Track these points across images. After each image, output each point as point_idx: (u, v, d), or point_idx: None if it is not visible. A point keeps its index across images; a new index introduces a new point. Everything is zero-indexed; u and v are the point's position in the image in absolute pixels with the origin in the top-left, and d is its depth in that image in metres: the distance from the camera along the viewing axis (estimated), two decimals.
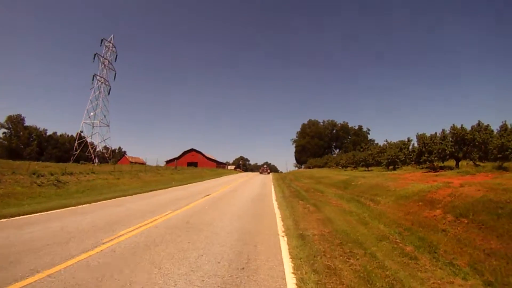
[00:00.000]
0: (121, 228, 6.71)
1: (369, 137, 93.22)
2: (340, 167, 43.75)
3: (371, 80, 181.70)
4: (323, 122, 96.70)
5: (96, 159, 50.69)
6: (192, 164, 73.60)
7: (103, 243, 5.44)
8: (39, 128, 73.43)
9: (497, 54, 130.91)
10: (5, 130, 65.60)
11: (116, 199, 12.33)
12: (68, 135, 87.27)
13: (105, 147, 56.71)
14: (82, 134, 53.30)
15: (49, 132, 77.52)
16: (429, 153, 19.31)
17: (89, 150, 51.63)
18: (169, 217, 8.21)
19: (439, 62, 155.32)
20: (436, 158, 19.61)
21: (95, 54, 52.46)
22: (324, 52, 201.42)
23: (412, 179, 13.79)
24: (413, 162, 25.40)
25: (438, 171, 17.67)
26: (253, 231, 6.82)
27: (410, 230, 6.41)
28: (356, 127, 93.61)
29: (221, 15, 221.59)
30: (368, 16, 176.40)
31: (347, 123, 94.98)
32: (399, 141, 26.73)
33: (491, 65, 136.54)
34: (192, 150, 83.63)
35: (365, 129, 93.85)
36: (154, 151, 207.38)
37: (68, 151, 59.62)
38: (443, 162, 20.27)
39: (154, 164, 56.16)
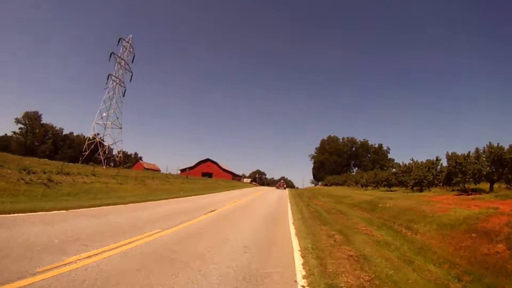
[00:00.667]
0: (56, 258, 4.40)
1: (389, 156, 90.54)
2: (360, 186, 42.01)
3: (391, 98, 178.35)
4: (343, 139, 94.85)
5: (106, 162, 50.71)
6: (206, 175, 73.18)
7: None
8: (55, 126, 73.72)
9: None
10: (22, 126, 65.96)
11: (103, 207, 10.50)
12: (84, 136, 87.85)
13: (121, 151, 56.34)
14: (94, 136, 53.56)
15: (65, 132, 78.21)
16: (463, 174, 17.78)
17: (99, 152, 51.56)
18: (151, 240, 6.27)
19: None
20: (470, 180, 18.07)
21: (111, 53, 52.42)
22: (344, 68, 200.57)
23: (448, 203, 12.48)
24: (441, 184, 23.78)
25: (471, 194, 16.15)
26: (260, 277, 4.60)
27: (471, 274, 5.19)
28: (376, 145, 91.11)
29: (246, 26, 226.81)
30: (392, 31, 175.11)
31: (367, 140, 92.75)
32: (427, 160, 25.16)
33: None
34: (208, 160, 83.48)
35: (385, 148, 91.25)
36: (170, 158, 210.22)
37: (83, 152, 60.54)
38: (475, 184, 18.68)
39: (169, 171, 56.22)
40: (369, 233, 9.43)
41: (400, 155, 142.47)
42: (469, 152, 18.66)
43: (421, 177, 23.27)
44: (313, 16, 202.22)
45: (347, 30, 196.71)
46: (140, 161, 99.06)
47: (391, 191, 29.57)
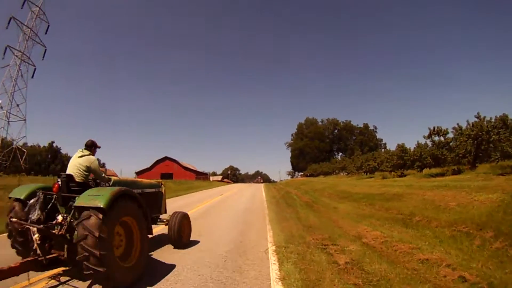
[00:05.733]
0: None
1: (377, 136, 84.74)
2: (361, 173, 34.27)
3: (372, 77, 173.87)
4: (322, 121, 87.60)
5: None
6: (166, 176, 63.36)
7: None
8: None
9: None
10: None
11: None
12: None
13: (25, 153, 43.22)
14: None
15: None
16: None
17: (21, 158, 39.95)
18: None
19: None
20: None
21: (10, 18, 40.69)
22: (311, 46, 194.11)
23: None
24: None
25: None
26: None
27: None
28: (361, 126, 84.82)
29: (206, 15, 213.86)
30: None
31: (350, 121, 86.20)
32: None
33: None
34: (166, 158, 72.81)
35: (371, 128, 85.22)
36: (127, 161, 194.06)
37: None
38: None
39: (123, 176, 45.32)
40: None
41: (390, 135, 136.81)
42: None
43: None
44: None
45: None
46: None
47: (401, 176, 21.85)
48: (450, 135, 18.13)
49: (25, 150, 42.01)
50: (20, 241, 4.26)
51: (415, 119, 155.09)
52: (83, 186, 4.42)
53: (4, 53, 39.55)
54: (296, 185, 36.06)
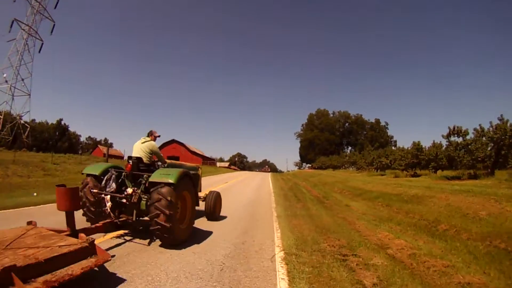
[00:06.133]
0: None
1: (388, 132, 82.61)
2: (365, 170, 33.23)
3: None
4: (334, 113, 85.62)
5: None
6: (172, 159, 62.23)
7: None
8: None
9: None
10: None
11: None
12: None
13: (29, 129, 42.15)
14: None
15: None
16: None
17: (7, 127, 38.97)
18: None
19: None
20: None
21: None
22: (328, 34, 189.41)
23: None
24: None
25: None
26: None
27: None
28: (373, 121, 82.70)
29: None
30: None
31: (361, 115, 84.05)
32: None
33: None
34: (173, 141, 72.30)
35: (383, 123, 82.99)
36: (127, 141, 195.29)
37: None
38: None
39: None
40: None
41: (401, 132, 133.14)
42: None
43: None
44: None
45: None
46: (99, 146, 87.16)
47: (414, 176, 20.80)
48: (470, 136, 17.16)
49: (28, 126, 41.68)
50: (92, 210, 5.32)
51: (424, 119, 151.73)
52: (148, 166, 5.71)
53: (11, 27, 38.99)
54: (304, 177, 35.21)
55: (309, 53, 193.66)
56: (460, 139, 17.80)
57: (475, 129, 18.40)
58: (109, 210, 5.03)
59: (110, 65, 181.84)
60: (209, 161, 66.95)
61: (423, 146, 21.42)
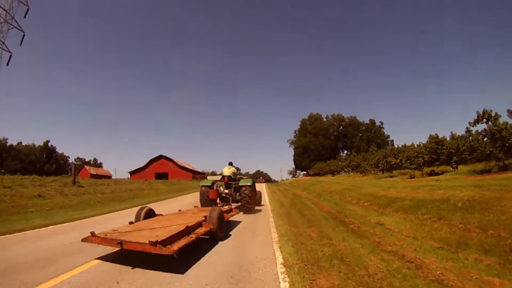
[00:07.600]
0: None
1: (384, 132, 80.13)
2: (370, 173, 30.04)
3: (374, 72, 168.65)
4: (327, 117, 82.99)
5: None
6: (161, 176, 58.87)
7: None
8: None
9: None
10: None
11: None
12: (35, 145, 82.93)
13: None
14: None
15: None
16: None
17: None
18: None
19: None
20: None
21: None
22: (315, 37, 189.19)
23: None
24: None
25: None
26: None
27: None
28: (367, 122, 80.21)
29: (205, 10, 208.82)
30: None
31: (356, 117, 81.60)
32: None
33: None
34: (161, 157, 68.20)
35: (378, 124, 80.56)
36: (126, 161, 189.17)
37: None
38: None
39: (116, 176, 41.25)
40: None
41: (396, 132, 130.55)
42: None
43: None
44: None
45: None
46: (86, 166, 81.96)
47: (432, 175, 17.62)
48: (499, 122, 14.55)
49: None
50: (208, 203, 11.52)
51: (418, 118, 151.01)
52: (233, 180, 12.75)
53: None
54: (304, 186, 31.78)
55: (296, 57, 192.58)
56: (489, 125, 15.15)
57: (508, 111, 15.85)
58: (218, 200, 12.00)
59: (92, 80, 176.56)
60: (199, 176, 62.97)
61: (444, 138, 18.38)
